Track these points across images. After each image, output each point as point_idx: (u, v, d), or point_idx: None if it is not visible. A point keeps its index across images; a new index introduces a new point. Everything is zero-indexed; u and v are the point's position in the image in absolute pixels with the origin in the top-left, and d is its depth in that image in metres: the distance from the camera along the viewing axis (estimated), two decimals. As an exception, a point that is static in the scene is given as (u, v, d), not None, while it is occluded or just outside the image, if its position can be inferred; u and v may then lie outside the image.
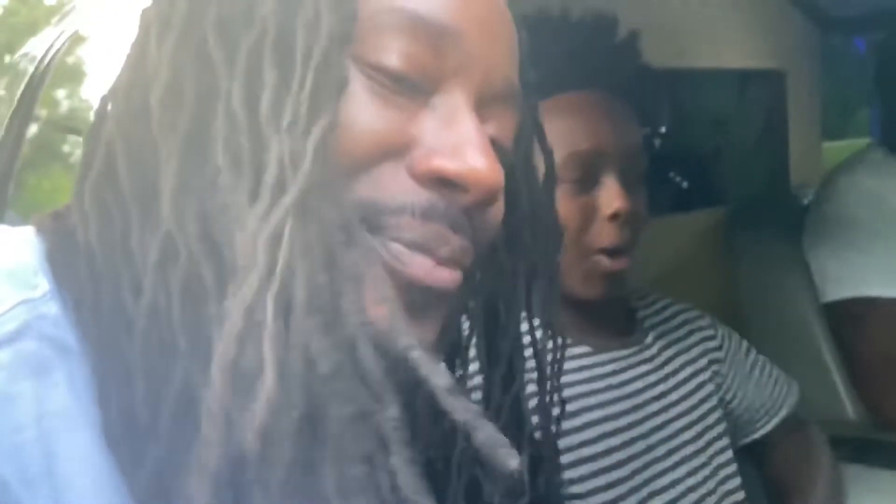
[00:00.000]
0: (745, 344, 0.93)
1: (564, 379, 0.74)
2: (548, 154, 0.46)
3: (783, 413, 0.91)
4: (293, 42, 0.34)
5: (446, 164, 0.35)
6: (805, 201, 1.35)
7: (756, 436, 0.91)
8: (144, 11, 0.38)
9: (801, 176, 1.49)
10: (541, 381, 0.48)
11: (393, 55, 0.35)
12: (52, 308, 0.34)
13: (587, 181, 0.72)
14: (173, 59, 0.35)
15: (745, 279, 1.30)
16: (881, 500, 0.90)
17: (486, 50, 0.38)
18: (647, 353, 0.81)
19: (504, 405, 0.46)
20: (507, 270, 0.45)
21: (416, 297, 0.35)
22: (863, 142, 1.83)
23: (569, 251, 0.72)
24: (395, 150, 0.35)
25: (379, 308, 0.33)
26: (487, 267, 0.45)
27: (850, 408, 1.15)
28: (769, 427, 0.91)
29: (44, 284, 0.34)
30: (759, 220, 1.33)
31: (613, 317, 0.83)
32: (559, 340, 0.48)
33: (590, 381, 0.76)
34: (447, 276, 0.36)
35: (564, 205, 0.71)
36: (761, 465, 0.93)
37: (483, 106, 0.37)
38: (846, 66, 1.73)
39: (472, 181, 0.35)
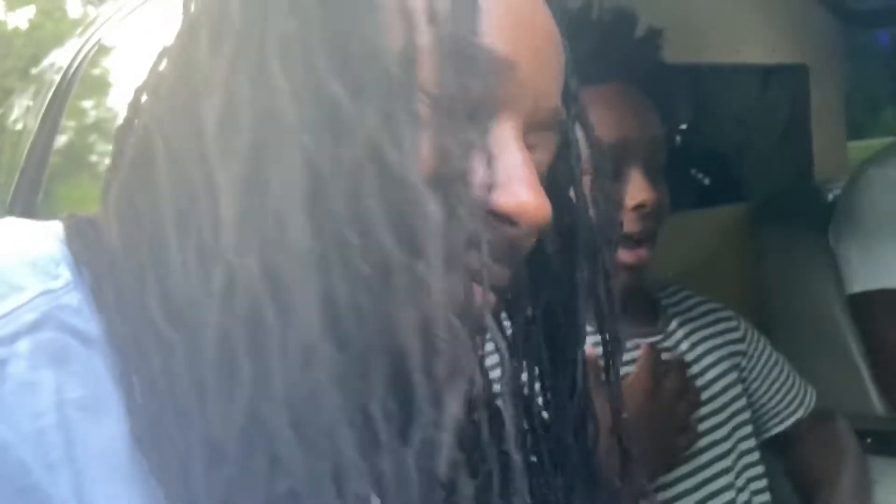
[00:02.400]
0: (765, 342, 0.93)
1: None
2: (597, 150, 0.47)
3: (801, 413, 0.91)
4: (361, 72, 0.34)
5: (497, 197, 0.36)
6: (830, 196, 1.34)
7: (775, 433, 0.91)
8: (187, 3, 0.38)
9: (825, 171, 1.47)
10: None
11: (450, 83, 0.35)
12: (74, 299, 0.34)
13: (613, 174, 0.72)
14: (230, 79, 0.34)
15: (770, 273, 1.30)
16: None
17: (538, 80, 0.38)
18: (671, 343, 0.82)
19: (571, 413, 0.46)
20: (562, 278, 0.45)
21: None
22: (887, 141, 1.82)
23: None
24: (443, 180, 0.35)
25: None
26: (540, 279, 0.45)
27: (876, 401, 1.14)
28: (787, 425, 0.91)
29: (66, 275, 0.34)
30: (784, 214, 1.32)
31: (637, 306, 0.83)
32: (617, 346, 0.48)
33: None
34: (484, 300, 0.36)
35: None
36: (785, 459, 0.92)
37: (529, 132, 0.38)
38: (870, 60, 1.71)
39: (521, 216, 0.36)
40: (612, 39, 0.75)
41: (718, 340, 0.86)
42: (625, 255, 0.73)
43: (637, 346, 0.78)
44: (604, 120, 0.72)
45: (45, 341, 0.32)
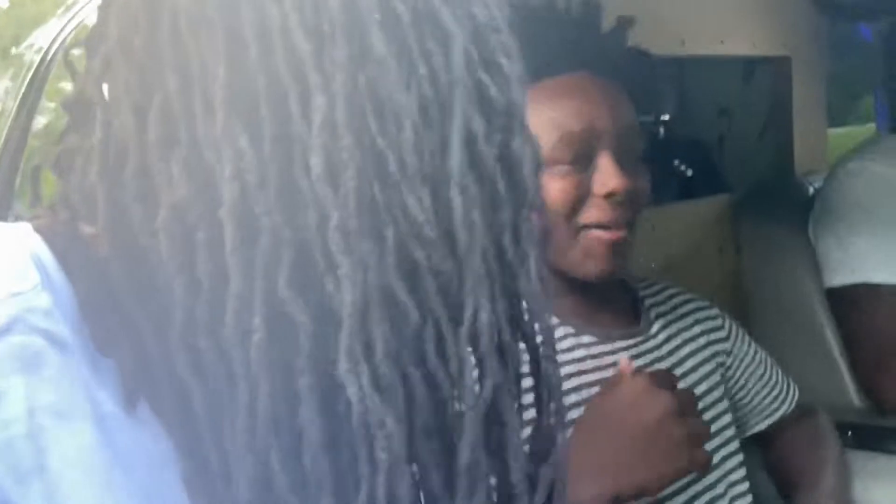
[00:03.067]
0: (749, 339, 0.92)
1: (570, 369, 0.75)
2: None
3: (783, 411, 0.91)
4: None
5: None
6: (810, 188, 1.35)
7: (756, 431, 0.91)
8: None
9: (805, 163, 1.48)
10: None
11: None
12: (44, 300, 0.33)
13: (581, 162, 0.72)
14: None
15: (750, 266, 1.31)
16: (886, 487, 0.90)
17: None
18: (653, 342, 0.81)
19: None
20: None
21: None
22: (866, 128, 1.84)
23: (565, 231, 0.72)
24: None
25: None
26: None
27: (854, 394, 1.15)
28: (770, 422, 0.91)
29: (35, 277, 0.33)
30: (764, 207, 1.33)
31: (619, 304, 0.83)
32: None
33: (596, 370, 0.76)
34: None
35: (559, 185, 0.72)
36: (765, 454, 0.93)
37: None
38: (851, 52, 1.72)
39: None
40: (578, 28, 0.74)
41: (702, 340, 0.85)
42: (601, 234, 0.72)
43: (620, 348, 0.78)
44: (572, 109, 0.72)
45: (15, 346, 0.31)
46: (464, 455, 0.33)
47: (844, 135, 1.76)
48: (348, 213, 0.31)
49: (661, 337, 0.82)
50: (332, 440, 0.32)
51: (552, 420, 0.41)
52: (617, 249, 0.73)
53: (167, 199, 0.33)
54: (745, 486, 0.82)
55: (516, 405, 0.37)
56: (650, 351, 0.80)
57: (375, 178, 0.32)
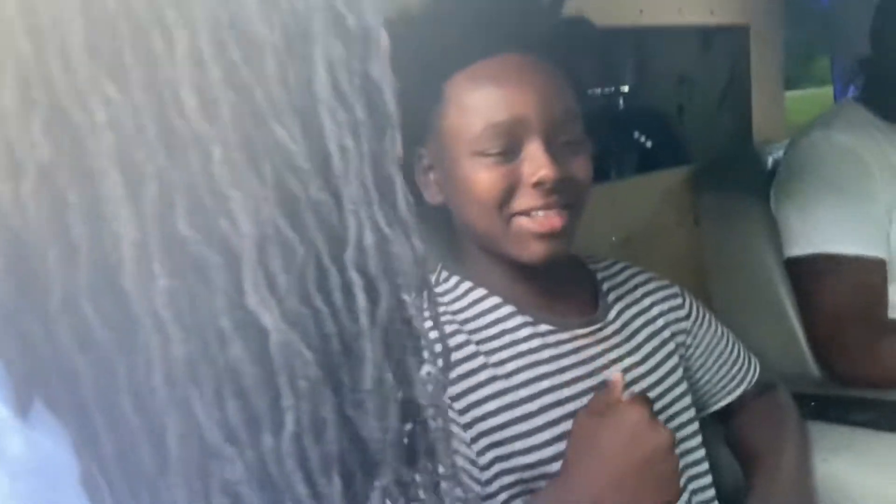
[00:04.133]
0: (710, 315, 0.92)
1: (529, 359, 0.75)
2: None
3: (744, 388, 0.92)
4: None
5: None
6: (770, 159, 1.36)
7: (718, 407, 0.91)
8: None
9: (764, 131, 1.49)
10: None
11: None
12: None
13: (510, 151, 0.71)
14: None
15: (710, 237, 1.31)
16: (844, 458, 0.92)
17: None
18: (611, 329, 0.80)
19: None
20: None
21: None
22: (823, 90, 1.85)
23: (498, 220, 0.72)
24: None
25: None
26: None
27: (813, 365, 1.17)
28: (731, 399, 0.91)
29: None
30: (724, 178, 1.34)
31: (576, 290, 0.82)
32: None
33: (554, 359, 0.75)
34: None
35: (488, 176, 0.70)
36: (726, 430, 0.93)
37: None
38: (808, 17, 1.72)
39: None
40: (504, 6, 0.72)
41: (661, 322, 0.84)
42: (531, 224, 0.71)
43: (578, 336, 0.77)
44: (498, 97, 0.71)
45: None
46: (368, 375, 0.35)
47: (801, 97, 1.77)
48: (229, 147, 0.32)
49: (619, 322, 0.81)
50: (258, 378, 0.32)
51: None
52: (553, 235, 0.72)
53: (32, 167, 0.31)
54: (705, 466, 0.82)
55: (413, 328, 0.38)
56: (608, 338, 0.79)
57: (247, 111, 0.32)
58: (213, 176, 0.31)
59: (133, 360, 0.31)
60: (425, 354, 0.39)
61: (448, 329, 0.72)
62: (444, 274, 0.80)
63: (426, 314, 0.41)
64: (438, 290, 0.78)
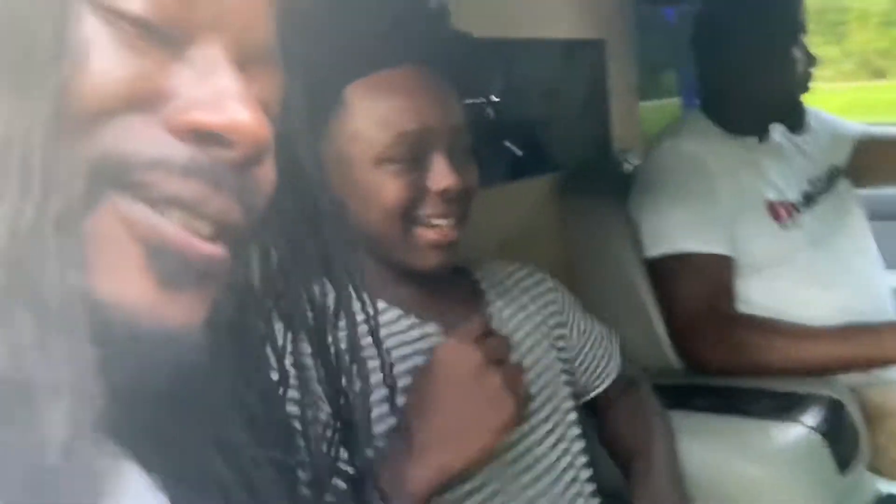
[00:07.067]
0: (581, 308, 0.96)
1: (416, 361, 0.76)
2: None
3: (615, 374, 0.96)
4: None
5: (208, 116, 0.33)
6: (629, 165, 1.44)
7: (592, 395, 0.95)
8: None
9: (622, 139, 1.58)
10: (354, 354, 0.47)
11: (135, 1, 0.32)
12: None
13: (416, 160, 0.73)
14: None
15: (577, 241, 1.38)
16: (701, 442, 0.99)
17: (241, 4, 0.36)
18: (494, 325, 0.83)
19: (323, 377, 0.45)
20: (296, 245, 0.44)
21: (172, 268, 0.33)
22: (672, 101, 1.99)
23: (400, 226, 0.73)
24: (144, 101, 0.33)
25: (123, 281, 0.32)
26: (277, 242, 0.43)
27: (672, 356, 1.26)
28: (602, 388, 0.95)
29: None
30: (587, 185, 1.41)
31: (459, 291, 0.84)
32: (370, 310, 0.49)
33: None
34: (207, 250, 0.34)
35: (395, 184, 0.72)
36: (598, 427, 0.97)
37: (244, 64, 0.36)
38: (657, 33, 1.84)
39: (237, 134, 0.34)
40: (403, 16, 0.74)
41: (539, 317, 0.88)
42: (431, 234, 0.74)
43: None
44: (406, 106, 0.72)
45: None
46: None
47: (653, 107, 1.90)
48: None
49: (500, 318, 0.84)
50: None
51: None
52: (450, 243, 0.75)
53: None
54: (585, 459, 0.86)
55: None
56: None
57: None
58: None
59: None
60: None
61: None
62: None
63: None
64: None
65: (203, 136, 0.33)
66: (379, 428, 0.67)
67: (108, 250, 0.31)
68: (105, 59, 0.31)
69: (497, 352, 0.67)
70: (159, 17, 0.33)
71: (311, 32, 0.70)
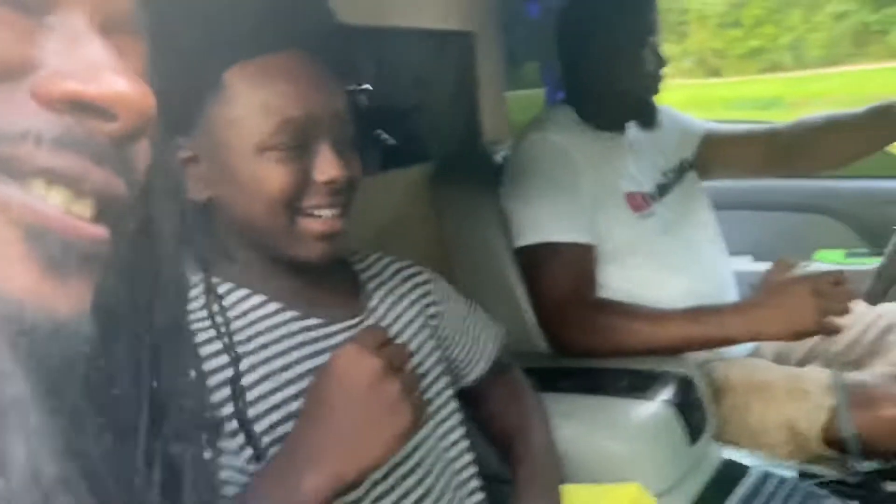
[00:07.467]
0: (457, 295, 0.98)
1: (302, 352, 0.75)
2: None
3: (492, 357, 0.99)
4: None
5: (84, 86, 0.31)
6: (497, 156, 1.48)
7: (468, 381, 0.97)
8: None
9: (491, 130, 1.62)
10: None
11: None
12: None
13: (300, 148, 0.71)
14: None
15: (450, 230, 1.41)
16: (568, 422, 1.04)
17: None
18: (374, 318, 0.83)
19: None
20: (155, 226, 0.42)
21: (54, 252, 0.31)
22: (537, 92, 2.07)
23: (283, 216, 0.72)
24: (7, 71, 0.31)
25: (3, 270, 0.30)
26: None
27: (540, 341, 1.31)
28: (479, 373, 0.98)
29: None
30: (458, 175, 1.44)
31: (340, 284, 0.84)
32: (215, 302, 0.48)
33: (321, 354, 0.76)
34: (90, 231, 0.33)
35: (278, 172, 0.70)
36: (473, 410, 0.99)
37: (108, 33, 0.34)
38: (522, 27, 1.90)
39: (120, 105, 0.32)
40: (287, 2, 0.73)
41: (416, 308, 0.89)
42: (315, 225, 0.73)
43: (344, 328, 0.79)
44: (292, 93, 0.71)
45: None
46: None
47: (519, 98, 1.96)
48: None
49: (381, 310, 0.85)
50: None
51: None
52: (333, 236, 0.74)
53: None
54: (467, 443, 0.88)
55: None
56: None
57: None
58: None
59: None
60: None
61: (204, 336, 0.70)
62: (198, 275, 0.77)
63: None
64: (192, 293, 0.75)
65: (80, 107, 0.31)
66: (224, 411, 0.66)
67: None
68: None
69: (396, 360, 0.66)
70: None
71: (182, 9, 0.67)
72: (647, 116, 1.43)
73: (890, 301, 1.48)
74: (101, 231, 0.33)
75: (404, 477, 0.78)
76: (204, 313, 0.73)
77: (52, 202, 0.31)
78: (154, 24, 0.38)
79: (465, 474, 0.87)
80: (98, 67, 0.32)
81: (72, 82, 0.31)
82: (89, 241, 0.32)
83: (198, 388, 0.44)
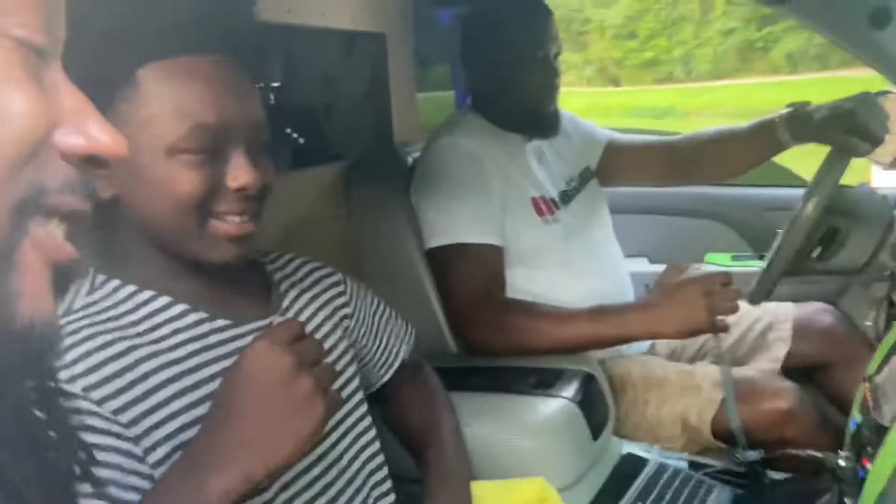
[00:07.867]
0: (370, 294, 0.99)
1: (210, 355, 0.74)
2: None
3: (403, 357, 1.00)
4: None
5: (85, 142, 0.37)
6: (409, 158, 1.50)
7: (382, 381, 0.98)
8: None
9: (402, 130, 1.64)
10: None
11: (28, 28, 0.35)
12: None
13: (213, 153, 0.70)
14: None
15: (362, 230, 1.41)
16: (476, 419, 1.07)
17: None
18: (287, 318, 0.83)
19: None
20: None
21: (58, 277, 0.38)
22: (447, 94, 2.10)
23: (194, 220, 0.71)
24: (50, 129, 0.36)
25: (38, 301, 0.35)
26: None
27: (450, 341, 1.34)
28: (392, 373, 0.99)
29: None
30: (370, 175, 1.44)
31: (251, 285, 0.83)
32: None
33: (231, 355, 0.75)
34: (74, 252, 0.38)
35: (189, 176, 0.69)
36: (384, 411, 1.01)
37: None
38: (432, 30, 1.92)
39: (109, 154, 0.38)
40: (209, 4, 0.72)
41: (329, 308, 0.89)
42: (226, 228, 0.72)
43: (254, 330, 0.78)
44: (207, 97, 0.70)
45: None
46: None
47: (429, 99, 1.99)
48: None
49: (292, 312, 0.84)
50: None
51: None
52: (245, 238, 0.74)
53: None
54: (377, 446, 0.89)
55: None
56: None
57: None
58: None
59: None
60: None
61: (107, 338, 0.68)
62: (101, 278, 0.74)
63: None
64: (93, 297, 0.72)
65: (87, 160, 0.37)
66: None
67: (30, 276, 0.35)
68: (21, 97, 0.34)
69: (309, 355, 0.64)
70: (41, 40, 0.35)
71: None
72: (544, 126, 1.47)
73: (771, 301, 1.58)
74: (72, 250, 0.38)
75: (317, 478, 0.78)
76: (106, 315, 0.72)
77: (59, 233, 0.37)
78: (70, 12, 0.38)
79: (379, 475, 0.88)
80: (81, 118, 0.37)
81: (71, 138, 0.36)
82: (74, 262, 0.38)
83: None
